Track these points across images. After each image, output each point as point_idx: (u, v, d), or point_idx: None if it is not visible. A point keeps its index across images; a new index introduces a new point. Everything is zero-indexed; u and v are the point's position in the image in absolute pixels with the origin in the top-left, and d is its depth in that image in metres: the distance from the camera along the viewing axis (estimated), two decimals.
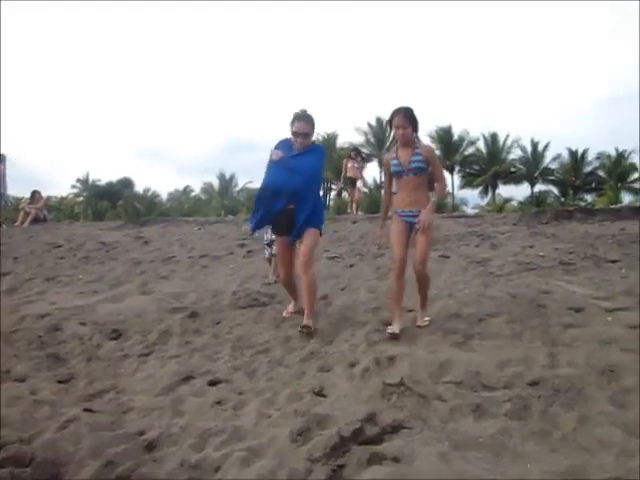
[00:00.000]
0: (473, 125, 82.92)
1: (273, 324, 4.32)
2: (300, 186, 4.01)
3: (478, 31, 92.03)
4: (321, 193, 4.66)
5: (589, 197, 42.99)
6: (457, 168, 45.50)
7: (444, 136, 44.47)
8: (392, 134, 4.32)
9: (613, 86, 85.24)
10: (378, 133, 44.22)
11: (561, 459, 2.13)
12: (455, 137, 44.96)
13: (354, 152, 13.25)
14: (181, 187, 55.36)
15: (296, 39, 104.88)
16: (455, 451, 2.19)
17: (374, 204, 30.55)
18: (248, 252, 7.49)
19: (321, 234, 4.25)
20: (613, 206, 13.59)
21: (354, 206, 12.57)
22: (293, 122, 4.08)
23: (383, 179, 4.34)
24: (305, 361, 3.50)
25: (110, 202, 46.20)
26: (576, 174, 43.33)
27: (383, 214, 4.31)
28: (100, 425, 2.60)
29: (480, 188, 44.78)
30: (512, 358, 3.14)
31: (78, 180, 49.30)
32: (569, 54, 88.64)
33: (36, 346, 3.95)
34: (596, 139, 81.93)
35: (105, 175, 76.77)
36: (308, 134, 4.11)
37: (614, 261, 5.71)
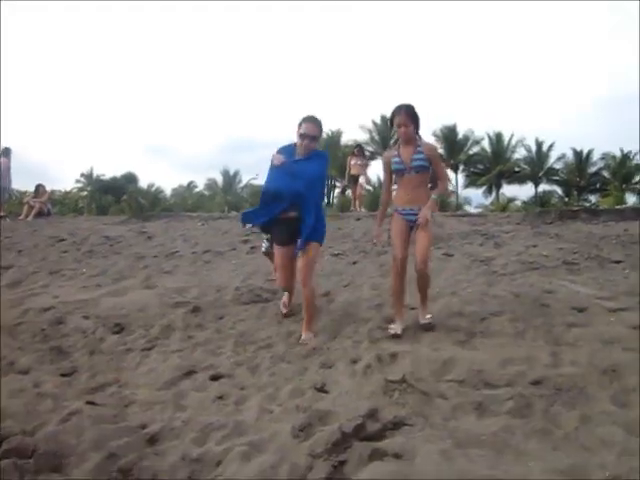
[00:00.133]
0: (478, 124, 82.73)
1: (275, 320, 4.33)
2: (302, 190, 3.94)
3: (482, 30, 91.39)
4: (324, 198, 4.61)
5: (593, 198, 42.75)
6: (461, 167, 45.36)
7: (449, 135, 44.30)
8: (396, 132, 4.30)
9: (613, 86, 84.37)
10: (383, 131, 44.00)
11: (563, 457, 2.12)
12: (460, 136, 44.75)
13: (357, 149, 13.24)
14: (185, 183, 55.40)
15: (299, 38, 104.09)
16: (457, 449, 2.19)
17: (377, 202, 30.40)
18: (251, 248, 7.47)
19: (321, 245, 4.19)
20: (617, 207, 13.54)
21: (357, 202, 12.58)
22: (301, 124, 4.01)
23: (382, 177, 4.30)
24: (307, 357, 3.51)
25: (114, 197, 46.18)
26: (580, 174, 43.11)
27: (380, 212, 4.21)
28: (102, 418, 2.61)
29: (484, 187, 44.66)
30: (515, 357, 3.14)
31: (82, 174, 49.30)
32: (569, 54, 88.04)
33: (39, 339, 3.98)
34: (596, 139, 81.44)
35: (109, 170, 76.81)
36: (315, 137, 4.05)
37: (618, 261, 5.70)
